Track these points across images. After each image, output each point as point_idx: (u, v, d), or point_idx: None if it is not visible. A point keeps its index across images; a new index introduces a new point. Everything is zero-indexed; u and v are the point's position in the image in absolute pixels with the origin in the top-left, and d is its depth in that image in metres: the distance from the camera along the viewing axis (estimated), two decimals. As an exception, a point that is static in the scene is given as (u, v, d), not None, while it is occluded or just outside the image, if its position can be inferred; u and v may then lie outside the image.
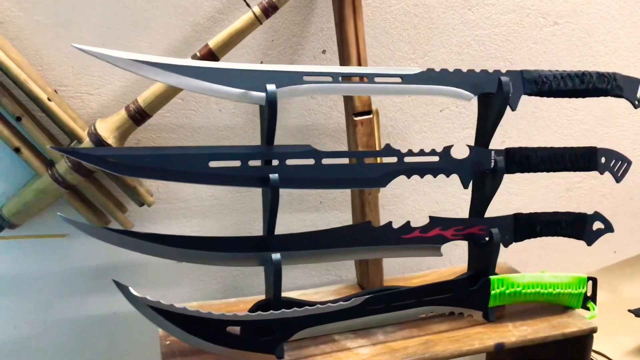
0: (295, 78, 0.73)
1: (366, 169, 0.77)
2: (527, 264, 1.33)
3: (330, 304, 0.77)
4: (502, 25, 1.11)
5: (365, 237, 0.80)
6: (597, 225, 0.94)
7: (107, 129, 0.86)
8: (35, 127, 0.85)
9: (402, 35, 1.05)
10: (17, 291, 0.96)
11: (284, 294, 0.96)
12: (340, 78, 0.75)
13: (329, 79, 0.75)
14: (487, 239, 0.86)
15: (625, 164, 0.92)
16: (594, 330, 0.85)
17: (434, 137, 1.14)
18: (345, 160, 0.79)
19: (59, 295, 1.00)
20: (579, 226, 0.92)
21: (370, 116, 0.90)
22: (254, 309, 0.78)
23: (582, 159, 0.89)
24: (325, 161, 0.76)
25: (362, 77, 0.78)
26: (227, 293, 1.11)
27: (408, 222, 0.83)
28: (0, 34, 0.83)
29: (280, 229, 1.09)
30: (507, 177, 1.18)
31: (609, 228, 0.94)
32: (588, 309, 0.91)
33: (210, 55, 0.86)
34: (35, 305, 0.99)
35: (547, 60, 1.17)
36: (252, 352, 0.74)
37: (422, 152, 0.80)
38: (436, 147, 1.13)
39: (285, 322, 0.75)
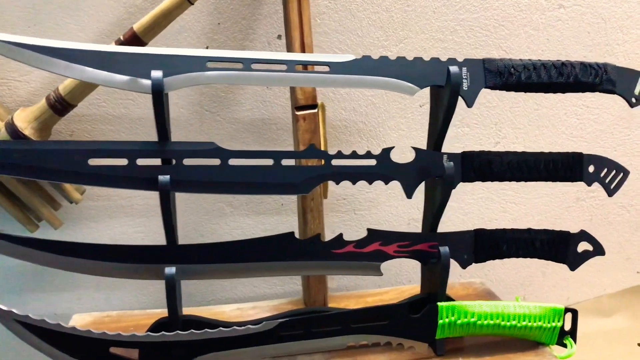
0: (196, 64, 0.63)
1: (284, 172, 0.66)
2: (530, 283, 1.18)
3: (235, 328, 0.66)
4: (494, 9, 0.96)
5: (288, 250, 0.69)
6: (584, 246, 0.79)
7: (25, 119, 0.79)
8: (-52, 116, 0.79)
9: (372, 19, 0.93)
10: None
11: (220, 307, 0.88)
12: (252, 65, 0.64)
13: (239, 65, 0.64)
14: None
15: (621, 174, 0.76)
16: (563, 374, 0.71)
17: (413, 135, 1.01)
18: (268, 162, 0.68)
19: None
20: (560, 247, 0.77)
21: (315, 111, 0.79)
22: (153, 327, 0.68)
23: (563, 167, 0.74)
24: (233, 162, 0.65)
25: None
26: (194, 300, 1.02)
27: (340, 235, 0.71)
28: None
29: (236, 232, 1.01)
30: (502, 183, 1.04)
31: (598, 250, 0.79)
32: (565, 345, 0.76)
33: (135, 39, 0.77)
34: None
35: (551, 50, 1.01)
36: (141, 378, 0.65)
37: (355, 155, 0.68)
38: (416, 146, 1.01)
39: (181, 345, 0.65)
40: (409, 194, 0.70)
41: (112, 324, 0.81)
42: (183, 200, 0.95)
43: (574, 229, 1.13)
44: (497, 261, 1.09)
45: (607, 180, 0.76)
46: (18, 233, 0.85)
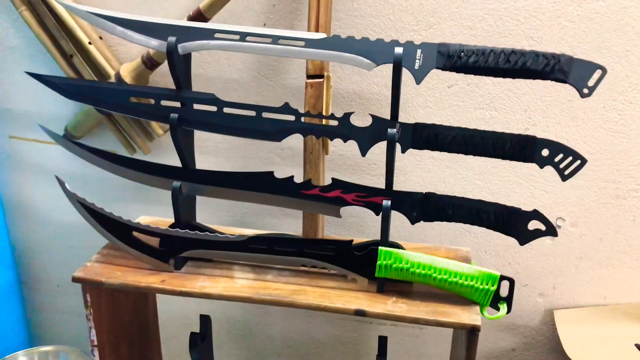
0: (207, 34, 0.85)
1: (262, 122, 0.86)
2: (560, 273, 1.19)
3: (217, 234, 0.89)
4: (524, 0, 1.01)
5: (267, 185, 0.89)
6: (535, 224, 0.85)
7: (126, 70, 1.09)
8: (83, 64, 1.13)
9: (403, 5, 1.05)
10: (78, 186, 1.28)
11: (246, 229, 1.11)
12: (246, 38, 0.85)
13: (237, 37, 0.85)
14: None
15: (578, 162, 0.80)
16: (475, 328, 0.80)
17: (441, 114, 1.11)
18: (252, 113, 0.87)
19: (106, 197, 1.29)
20: (509, 221, 0.84)
21: (321, 80, 0.96)
22: (169, 225, 0.94)
23: (512, 147, 0.81)
24: (227, 110, 0.87)
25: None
26: (237, 225, 1.27)
27: (309, 180, 0.88)
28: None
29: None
30: (533, 170, 1.09)
31: (550, 231, 0.84)
32: (498, 309, 0.84)
33: (200, 15, 1.03)
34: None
35: (588, 42, 1.02)
36: (150, 258, 0.91)
37: (320, 115, 0.85)
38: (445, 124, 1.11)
39: (179, 239, 0.89)
40: (363, 153, 0.84)
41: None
42: (244, 147, 1.19)
43: (613, 228, 1.14)
44: (524, 247, 1.16)
45: (561, 166, 0.81)
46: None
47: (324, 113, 0.96)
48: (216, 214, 1.27)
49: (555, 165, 0.81)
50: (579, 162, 0.80)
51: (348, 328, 1.33)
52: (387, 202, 0.84)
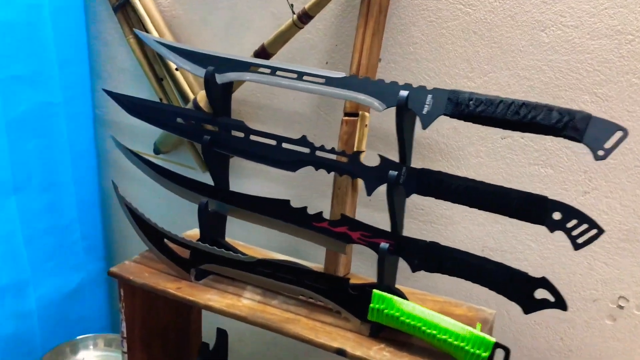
0: (243, 67, 0.93)
1: (280, 152, 0.90)
2: None
3: (231, 253, 0.94)
4: (587, 52, 0.94)
5: (283, 212, 0.93)
6: (542, 294, 0.77)
7: (202, 95, 1.21)
8: (170, 86, 1.28)
9: (458, 52, 1.03)
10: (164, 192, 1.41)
11: (274, 253, 1.15)
12: (276, 72, 0.90)
13: (268, 71, 0.91)
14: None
15: (595, 231, 0.72)
16: (450, 392, 0.74)
17: (493, 165, 1.06)
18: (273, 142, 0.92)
19: (186, 208, 1.41)
20: (513, 285, 0.78)
21: (355, 118, 0.98)
22: (197, 239, 1.02)
23: (519, 204, 0.75)
24: (253, 138, 0.93)
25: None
26: (289, 251, 1.32)
27: (320, 212, 0.90)
28: (165, 22, 1.27)
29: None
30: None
31: (559, 304, 0.76)
32: (490, 379, 0.77)
33: (264, 50, 1.12)
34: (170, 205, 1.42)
35: (661, 103, 0.91)
36: (175, 265, 0.99)
37: (333, 151, 0.87)
38: (496, 177, 1.06)
39: (199, 252, 0.96)
40: (369, 192, 0.84)
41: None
42: (303, 178, 1.24)
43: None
44: (579, 323, 1.05)
45: (573, 233, 0.73)
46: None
47: (355, 149, 0.97)
48: (275, 240, 1.32)
49: (568, 232, 0.73)
50: (595, 231, 0.72)
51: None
52: (384, 245, 0.82)
